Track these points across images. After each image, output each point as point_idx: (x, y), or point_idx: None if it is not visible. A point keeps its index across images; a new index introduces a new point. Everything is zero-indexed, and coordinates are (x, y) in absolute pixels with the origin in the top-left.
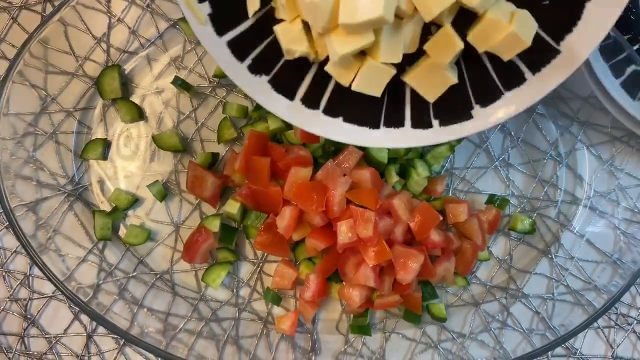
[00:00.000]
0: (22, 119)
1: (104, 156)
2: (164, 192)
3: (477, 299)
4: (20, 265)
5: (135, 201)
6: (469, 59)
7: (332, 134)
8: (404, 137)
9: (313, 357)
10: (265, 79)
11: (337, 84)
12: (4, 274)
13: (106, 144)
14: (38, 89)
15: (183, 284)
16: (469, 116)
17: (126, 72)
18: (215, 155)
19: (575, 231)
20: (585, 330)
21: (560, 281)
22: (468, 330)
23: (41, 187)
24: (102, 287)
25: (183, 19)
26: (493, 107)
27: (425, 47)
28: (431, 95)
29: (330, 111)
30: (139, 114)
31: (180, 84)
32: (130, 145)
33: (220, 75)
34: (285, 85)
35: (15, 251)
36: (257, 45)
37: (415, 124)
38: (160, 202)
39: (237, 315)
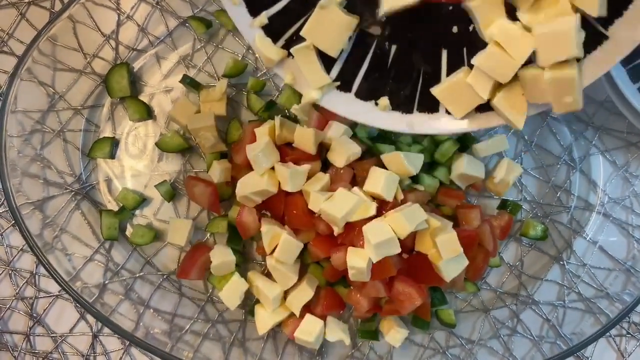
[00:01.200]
0: (29, 116)
1: (112, 155)
2: (172, 192)
3: (487, 305)
4: (27, 263)
5: (142, 201)
6: None
7: (364, 118)
8: (438, 123)
9: None
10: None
11: (370, 66)
12: (10, 272)
13: (114, 143)
14: (46, 86)
15: (190, 285)
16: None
17: (135, 70)
18: (223, 156)
19: (588, 238)
20: None
21: (572, 288)
22: (477, 336)
23: (48, 185)
24: (108, 287)
25: (193, 17)
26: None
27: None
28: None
29: (362, 94)
30: (148, 113)
31: (189, 82)
32: (138, 144)
33: (230, 75)
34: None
35: (21, 249)
36: (292, 25)
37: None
38: (168, 202)
39: (243, 317)
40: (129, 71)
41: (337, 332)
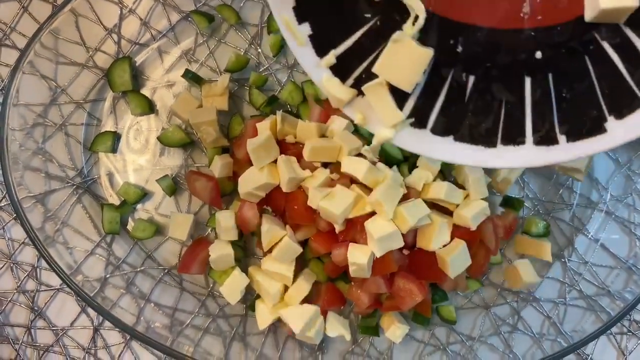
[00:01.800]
0: (31, 109)
1: (114, 149)
2: (174, 187)
3: (488, 301)
4: (28, 256)
5: (144, 195)
6: (594, 53)
7: (442, 155)
8: (525, 156)
9: (320, 356)
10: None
11: (447, 99)
12: (11, 265)
13: (116, 137)
14: (48, 79)
15: (191, 280)
16: (601, 130)
17: (137, 64)
18: (225, 150)
19: (589, 235)
20: None
21: (573, 286)
22: (478, 333)
23: (50, 179)
24: (109, 281)
25: (195, 11)
26: (632, 118)
27: None
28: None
29: (438, 130)
30: (150, 107)
31: (192, 77)
32: (140, 138)
33: (232, 70)
34: None
35: (23, 243)
36: (362, 62)
37: (539, 141)
38: (170, 196)
39: (244, 312)
40: (131, 65)
41: (337, 328)
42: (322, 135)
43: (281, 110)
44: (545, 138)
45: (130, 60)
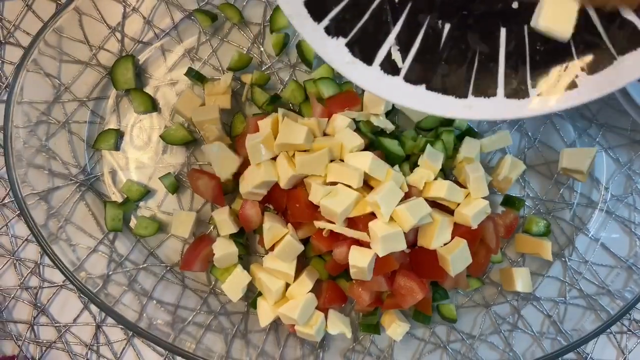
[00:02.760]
0: (35, 107)
1: (117, 147)
2: (176, 185)
3: (488, 300)
4: (31, 253)
5: (146, 193)
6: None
7: (413, 103)
8: (495, 108)
9: (321, 354)
10: (342, 41)
11: (421, 47)
12: (15, 262)
13: (119, 135)
14: (52, 77)
15: (193, 277)
16: (573, 85)
17: (140, 62)
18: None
19: (590, 235)
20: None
21: (573, 285)
22: (478, 331)
23: (53, 176)
24: (111, 278)
25: (198, 10)
26: (603, 74)
27: None
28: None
29: (411, 78)
30: (153, 105)
31: (194, 75)
32: (142, 136)
33: (235, 68)
34: (363, 49)
35: (26, 239)
36: (339, 3)
37: (510, 94)
38: (172, 194)
39: (246, 309)
40: (134, 63)
41: (338, 325)
42: (324, 133)
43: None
44: (516, 91)
45: (134, 59)
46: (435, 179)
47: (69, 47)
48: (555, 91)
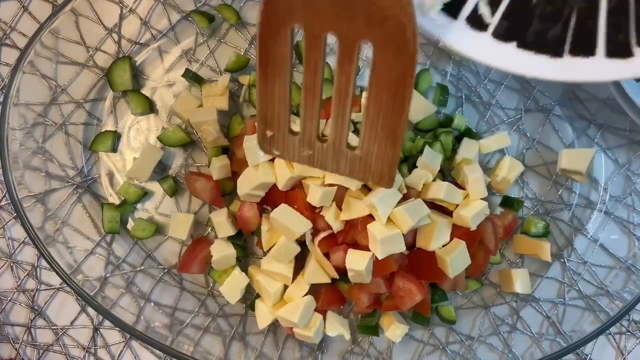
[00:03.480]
0: (31, 109)
1: (114, 148)
2: (175, 187)
3: (487, 301)
4: (28, 256)
5: (144, 195)
6: None
7: (502, 63)
8: (593, 69)
9: (319, 356)
10: None
11: (512, 1)
12: (11, 264)
13: (116, 137)
14: (48, 79)
15: (191, 279)
16: None
17: (137, 64)
18: (225, 150)
19: (589, 236)
20: None
21: (572, 286)
22: (477, 333)
23: (50, 178)
24: (109, 280)
25: (195, 11)
26: None
27: None
28: None
29: (501, 34)
30: (150, 107)
31: (192, 77)
32: (140, 138)
33: (232, 69)
34: (449, 1)
35: (23, 242)
36: None
37: (612, 52)
38: (171, 197)
39: (244, 311)
40: (131, 65)
41: (337, 327)
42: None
43: None
44: (618, 49)
45: (131, 60)
46: (434, 180)
47: (66, 49)
48: None
